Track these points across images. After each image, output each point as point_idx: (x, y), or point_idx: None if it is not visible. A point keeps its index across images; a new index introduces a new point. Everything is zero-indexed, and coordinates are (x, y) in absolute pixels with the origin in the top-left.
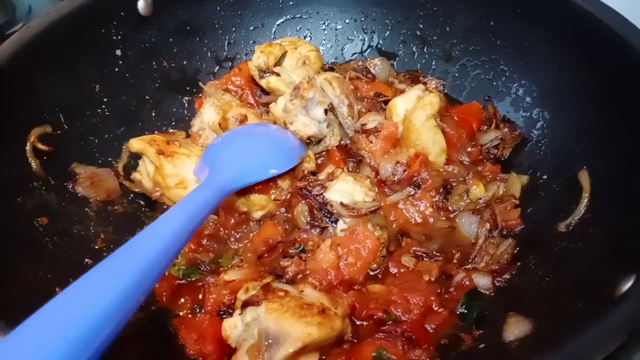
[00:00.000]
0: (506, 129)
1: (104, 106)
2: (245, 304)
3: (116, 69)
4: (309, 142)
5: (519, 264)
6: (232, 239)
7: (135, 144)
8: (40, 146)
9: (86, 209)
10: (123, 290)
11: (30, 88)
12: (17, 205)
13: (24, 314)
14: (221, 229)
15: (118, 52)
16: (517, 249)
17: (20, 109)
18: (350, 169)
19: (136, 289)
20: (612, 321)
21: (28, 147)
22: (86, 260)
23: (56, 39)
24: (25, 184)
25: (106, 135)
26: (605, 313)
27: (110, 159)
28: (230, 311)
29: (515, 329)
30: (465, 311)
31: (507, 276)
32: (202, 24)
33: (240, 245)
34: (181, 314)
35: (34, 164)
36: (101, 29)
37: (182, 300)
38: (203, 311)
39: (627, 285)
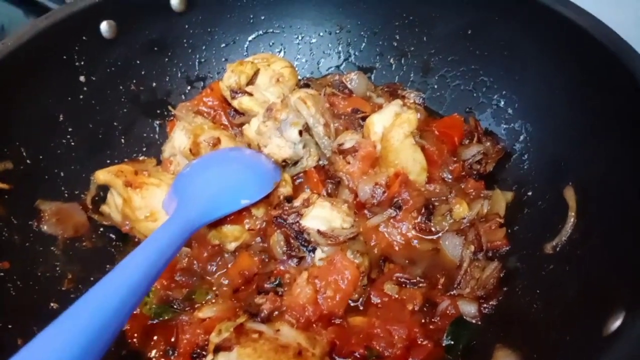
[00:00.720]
0: (488, 143)
1: (69, 136)
2: (217, 349)
3: (81, 96)
4: (285, 164)
5: (505, 289)
6: (207, 272)
7: (102, 176)
8: (0, 185)
9: (52, 248)
10: (81, 344)
11: None
12: None
13: None
14: (194, 262)
15: (82, 78)
16: (504, 272)
17: None
18: (329, 191)
19: (96, 341)
20: None
21: None
22: (52, 304)
23: (14, 69)
24: None
25: (72, 167)
26: (593, 355)
27: (77, 192)
28: (204, 353)
29: None
30: (452, 342)
31: (493, 303)
32: (171, 43)
33: (215, 278)
34: (153, 356)
35: None
36: (63, 55)
37: (154, 341)
38: (176, 353)
39: (617, 323)
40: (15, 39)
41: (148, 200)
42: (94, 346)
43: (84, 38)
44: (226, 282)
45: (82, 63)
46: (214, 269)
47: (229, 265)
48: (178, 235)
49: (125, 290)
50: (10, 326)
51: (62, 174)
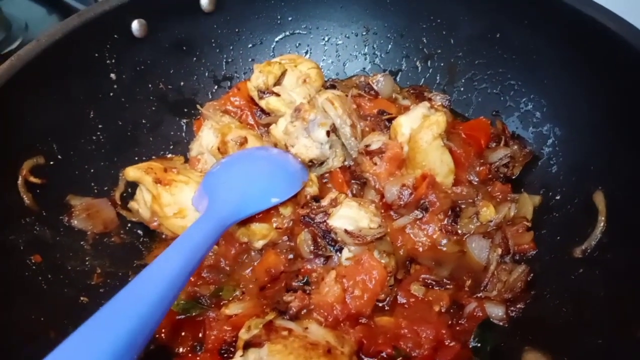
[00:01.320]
0: (516, 146)
1: (99, 133)
2: (247, 345)
3: (111, 93)
4: (311, 164)
5: (533, 292)
6: (234, 270)
7: (132, 172)
8: (33, 179)
9: (82, 243)
10: (121, 341)
11: (21, 118)
12: (9, 243)
13: None
14: (222, 259)
15: (112, 75)
16: (531, 275)
17: (11, 140)
18: (355, 192)
19: (135, 337)
20: None
21: (20, 181)
22: (82, 298)
23: (48, 66)
24: (18, 220)
25: (102, 163)
26: (624, 357)
27: (106, 188)
28: (232, 349)
29: None
30: (479, 345)
31: (521, 306)
32: (199, 43)
33: (242, 275)
34: (181, 352)
35: (26, 198)
36: (94, 53)
37: (182, 336)
38: (204, 349)
39: None
40: (47, 36)
41: (177, 197)
42: (135, 341)
43: (115, 36)
44: (253, 279)
45: (113, 61)
46: (240, 267)
47: (256, 263)
48: (212, 232)
49: (163, 285)
50: (42, 319)
51: (91, 170)
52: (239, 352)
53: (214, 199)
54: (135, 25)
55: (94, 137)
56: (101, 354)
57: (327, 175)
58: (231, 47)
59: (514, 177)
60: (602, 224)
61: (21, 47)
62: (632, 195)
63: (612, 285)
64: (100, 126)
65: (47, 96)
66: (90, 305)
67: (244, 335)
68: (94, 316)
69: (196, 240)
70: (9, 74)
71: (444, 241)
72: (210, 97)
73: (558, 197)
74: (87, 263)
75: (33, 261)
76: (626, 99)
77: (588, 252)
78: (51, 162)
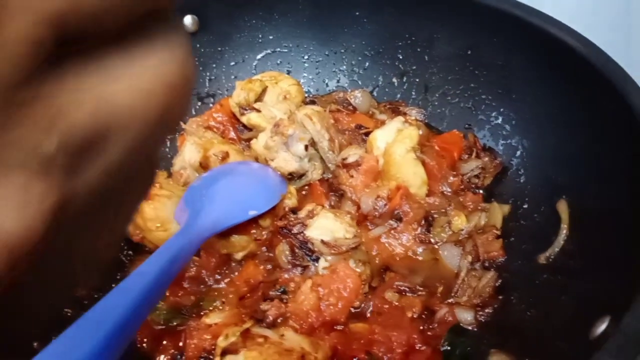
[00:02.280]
0: (487, 158)
1: None
2: (225, 352)
3: None
4: (291, 177)
5: (501, 297)
6: (213, 280)
7: None
8: None
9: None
10: (99, 347)
11: None
12: None
13: None
14: (203, 270)
15: None
16: (499, 281)
17: None
18: (333, 203)
19: (112, 344)
20: None
21: None
22: (65, 310)
23: None
24: None
25: None
26: (581, 357)
27: None
28: (211, 358)
29: None
30: (449, 348)
31: (489, 310)
32: None
33: (222, 285)
34: None
35: None
36: None
37: (163, 346)
38: (184, 357)
39: (602, 327)
40: None
41: (159, 211)
42: (112, 347)
43: None
44: (232, 289)
45: None
46: (220, 277)
47: (235, 274)
48: (190, 244)
49: (139, 295)
50: (26, 330)
51: None
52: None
53: (193, 211)
54: None
55: None
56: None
57: (306, 187)
58: (214, 65)
59: (484, 188)
60: (564, 232)
61: None
62: (592, 205)
63: (573, 291)
64: None
65: None
66: (74, 317)
67: (221, 342)
68: (73, 325)
69: (173, 252)
70: None
71: (419, 250)
72: (194, 113)
73: (526, 206)
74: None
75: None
76: (589, 113)
77: (551, 259)
78: None
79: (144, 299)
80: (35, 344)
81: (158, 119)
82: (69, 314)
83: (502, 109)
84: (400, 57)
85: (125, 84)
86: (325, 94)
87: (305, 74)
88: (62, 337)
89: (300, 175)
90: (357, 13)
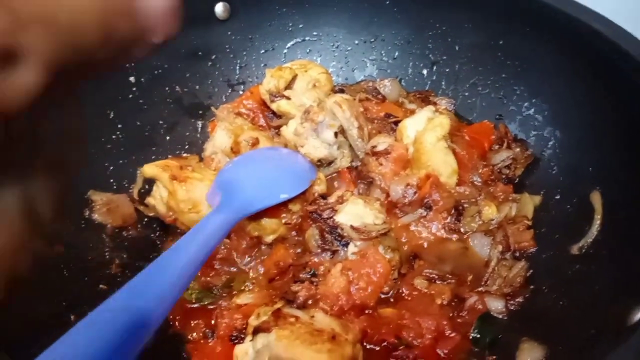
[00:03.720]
0: (518, 149)
1: (118, 132)
2: (256, 330)
3: (130, 96)
4: (320, 164)
5: (532, 287)
6: (244, 262)
7: (149, 169)
8: None
9: (102, 235)
10: (137, 319)
11: (44, 117)
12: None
13: (40, 343)
14: (233, 252)
15: (132, 79)
16: (530, 271)
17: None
18: (361, 191)
19: (150, 316)
20: (623, 353)
21: None
22: (101, 285)
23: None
24: None
25: (121, 161)
26: (616, 343)
27: (125, 184)
28: (242, 336)
29: (528, 355)
30: (478, 335)
31: (520, 299)
32: (214, 49)
33: (251, 267)
34: (193, 338)
35: None
36: None
37: (195, 324)
38: (215, 336)
39: (638, 315)
40: None
41: (192, 193)
42: (149, 320)
43: None
44: (262, 271)
45: (133, 64)
46: (250, 259)
47: (265, 256)
48: (224, 224)
49: (177, 269)
50: (64, 304)
51: (111, 167)
52: (249, 338)
53: (226, 193)
54: None
55: (114, 137)
56: (117, 330)
57: (335, 175)
58: (244, 53)
59: (515, 179)
60: (598, 222)
61: None
62: (626, 195)
63: (605, 280)
64: (119, 126)
65: (69, 97)
66: (109, 292)
67: (253, 321)
68: (111, 297)
69: (208, 231)
70: None
71: (448, 237)
72: (224, 100)
73: (558, 197)
74: (106, 255)
75: (56, 251)
76: (622, 104)
77: (584, 249)
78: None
79: (181, 274)
80: (72, 316)
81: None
82: (103, 289)
83: (533, 100)
84: (430, 47)
85: None
86: (354, 83)
87: (334, 63)
88: (102, 306)
89: (329, 162)
90: (387, 2)
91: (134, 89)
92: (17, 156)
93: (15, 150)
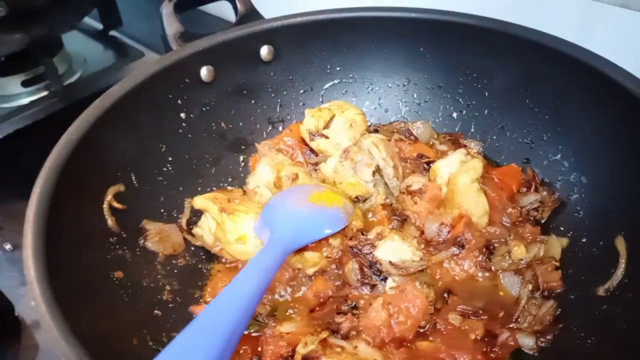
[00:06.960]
0: (545, 192)
1: (169, 165)
2: (305, 359)
3: (180, 130)
4: (357, 200)
5: (561, 325)
6: (286, 292)
7: (199, 202)
8: (116, 204)
9: (155, 263)
10: (217, 348)
11: (108, 150)
12: (97, 260)
13: None
14: (276, 282)
15: (182, 115)
16: (559, 310)
17: (99, 169)
18: (394, 227)
19: (228, 344)
20: None
21: (105, 205)
22: (156, 311)
23: (130, 105)
24: (103, 240)
25: (170, 192)
26: None
27: (174, 214)
28: None
29: None
30: None
31: (549, 337)
32: (257, 88)
33: (293, 298)
34: None
35: (110, 221)
36: (168, 95)
37: (242, 350)
38: None
39: None
40: (130, 80)
41: (238, 225)
42: (227, 347)
43: (186, 80)
44: (303, 302)
45: (183, 102)
46: (291, 290)
47: (305, 288)
48: (279, 256)
49: (247, 298)
50: (126, 327)
51: (161, 198)
52: None
53: (275, 228)
54: (204, 71)
55: (165, 169)
56: None
57: (371, 212)
58: (285, 92)
59: (543, 221)
60: (622, 266)
61: (81, 79)
62: None
63: (631, 320)
64: (170, 159)
65: (128, 132)
66: (163, 318)
67: (301, 349)
68: (190, 325)
69: (268, 262)
70: (100, 111)
71: (480, 275)
72: (265, 136)
73: (584, 240)
74: (159, 281)
75: (116, 276)
76: None
77: (610, 291)
78: (130, 190)
79: (250, 301)
80: (134, 340)
81: None
82: (158, 315)
83: (560, 146)
84: (461, 92)
85: None
86: (387, 123)
87: (367, 103)
88: (177, 342)
89: (365, 199)
90: (421, 49)
91: (184, 124)
92: None
93: None
